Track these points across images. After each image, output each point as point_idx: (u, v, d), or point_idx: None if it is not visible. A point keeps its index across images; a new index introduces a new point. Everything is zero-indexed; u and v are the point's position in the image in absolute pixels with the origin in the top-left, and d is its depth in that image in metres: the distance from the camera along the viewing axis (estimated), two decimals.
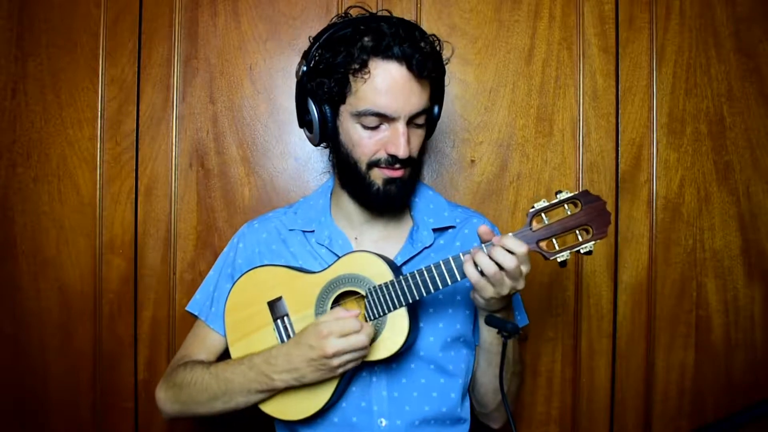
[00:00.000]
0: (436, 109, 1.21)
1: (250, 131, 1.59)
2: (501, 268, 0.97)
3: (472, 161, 1.58)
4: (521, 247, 0.97)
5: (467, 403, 1.22)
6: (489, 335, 1.13)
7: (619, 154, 1.57)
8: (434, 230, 1.23)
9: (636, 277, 1.57)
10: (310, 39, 1.14)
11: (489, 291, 1.00)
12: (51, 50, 1.59)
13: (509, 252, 0.97)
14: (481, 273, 0.99)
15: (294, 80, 1.57)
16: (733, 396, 1.56)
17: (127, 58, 1.59)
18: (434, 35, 1.15)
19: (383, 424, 1.14)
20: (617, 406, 1.57)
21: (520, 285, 1.01)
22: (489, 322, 1.07)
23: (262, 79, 1.59)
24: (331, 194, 1.28)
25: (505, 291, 1.00)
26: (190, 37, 1.59)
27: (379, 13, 1.13)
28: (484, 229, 1.02)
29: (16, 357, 1.59)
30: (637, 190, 1.57)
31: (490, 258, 0.98)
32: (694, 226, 1.57)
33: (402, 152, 1.07)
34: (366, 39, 1.06)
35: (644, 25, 1.57)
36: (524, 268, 0.99)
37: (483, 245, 1.01)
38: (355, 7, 1.19)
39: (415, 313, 1.13)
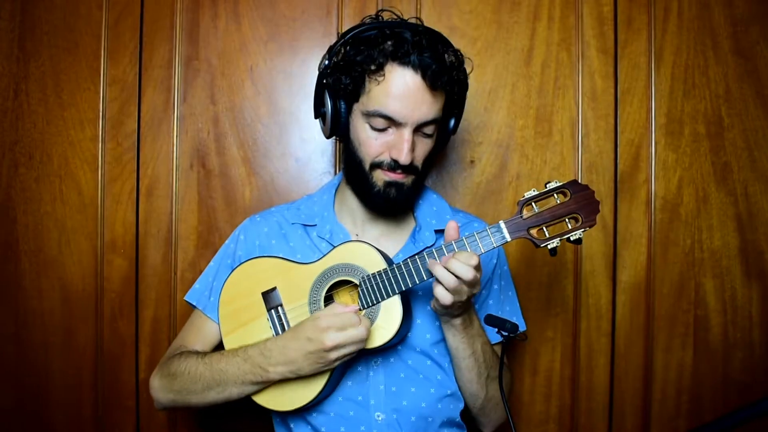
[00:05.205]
0: (452, 122, 1.23)
1: (251, 132, 1.60)
2: (458, 278, 1.01)
3: (472, 161, 1.59)
4: (474, 260, 1.01)
5: (462, 404, 1.23)
6: (453, 340, 1.13)
7: (618, 155, 1.58)
8: (436, 231, 1.25)
9: (635, 276, 1.58)
10: (338, 34, 1.16)
11: (448, 299, 1.03)
12: (53, 51, 1.59)
13: (465, 264, 1.00)
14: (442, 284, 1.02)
15: (295, 80, 1.60)
16: (731, 395, 1.57)
17: (128, 59, 1.59)
18: (458, 50, 1.16)
19: (380, 418, 1.15)
20: (616, 405, 1.58)
21: (477, 289, 1.06)
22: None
23: (262, 80, 1.60)
24: (336, 191, 1.30)
25: (464, 297, 1.04)
26: (191, 38, 1.60)
27: (410, 20, 1.15)
28: (452, 225, 1.06)
29: (18, 356, 1.60)
30: (635, 191, 1.58)
31: (449, 271, 1.01)
32: (693, 227, 1.58)
33: (404, 158, 1.09)
34: (388, 43, 1.08)
35: (643, 26, 1.57)
36: (479, 275, 1.04)
37: (442, 250, 1.05)
38: (386, 10, 1.19)
39: (409, 303, 1.14)
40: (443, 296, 1.02)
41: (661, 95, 1.57)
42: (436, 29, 1.16)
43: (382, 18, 1.15)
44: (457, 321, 1.10)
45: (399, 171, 1.12)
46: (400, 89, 1.07)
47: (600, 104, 1.58)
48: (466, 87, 1.20)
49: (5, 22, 1.60)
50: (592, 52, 1.57)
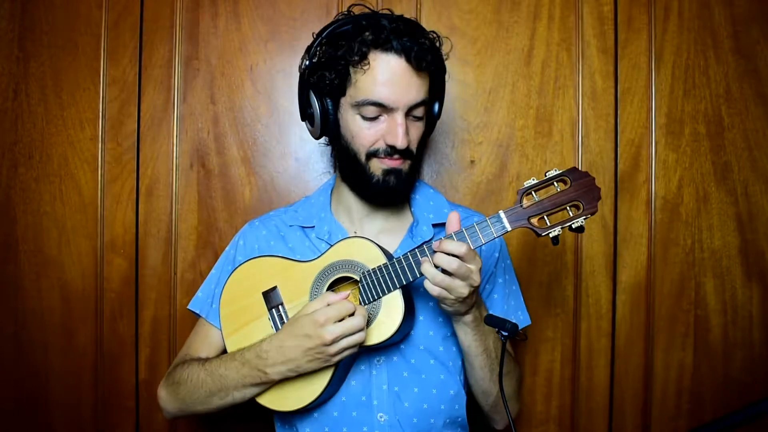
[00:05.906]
0: (436, 106, 1.24)
1: (250, 132, 1.60)
2: (447, 273, 1.00)
3: (472, 161, 1.59)
4: (460, 248, 0.99)
5: (465, 402, 1.22)
6: (466, 338, 1.12)
7: (618, 155, 1.58)
8: (434, 225, 1.25)
9: (635, 276, 1.58)
10: (314, 35, 1.17)
11: (447, 296, 1.01)
12: (52, 51, 1.59)
13: (451, 255, 0.99)
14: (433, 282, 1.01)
15: (295, 80, 1.59)
16: (731, 395, 1.57)
17: (128, 58, 1.59)
18: (434, 32, 1.18)
19: (383, 419, 1.14)
20: (616, 405, 1.58)
21: (475, 281, 1.01)
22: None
23: (262, 80, 1.60)
24: (331, 191, 1.30)
25: (464, 291, 1.01)
26: (191, 38, 1.60)
27: (381, 11, 1.16)
28: (454, 216, 1.04)
29: (17, 356, 1.60)
30: (635, 191, 1.58)
31: (435, 266, 1.00)
32: (693, 226, 1.58)
33: (400, 142, 1.10)
34: (366, 33, 1.10)
35: (643, 26, 1.57)
36: (472, 266, 1.00)
37: (431, 248, 1.03)
38: (357, 5, 1.21)
39: (411, 299, 1.13)
40: (430, 289, 1.02)
41: (661, 95, 1.57)
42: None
43: (353, 13, 1.17)
44: (468, 318, 1.09)
45: (396, 156, 1.13)
46: (386, 75, 1.08)
47: (600, 104, 1.57)
48: (444, 70, 1.22)
49: (5, 22, 1.60)
50: (593, 52, 1.57)
